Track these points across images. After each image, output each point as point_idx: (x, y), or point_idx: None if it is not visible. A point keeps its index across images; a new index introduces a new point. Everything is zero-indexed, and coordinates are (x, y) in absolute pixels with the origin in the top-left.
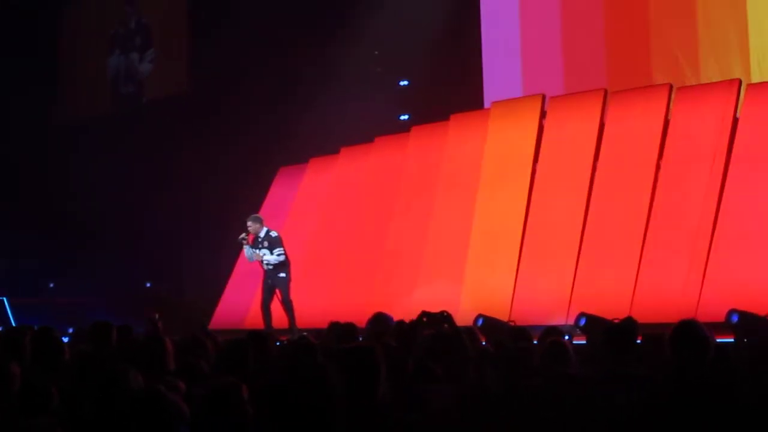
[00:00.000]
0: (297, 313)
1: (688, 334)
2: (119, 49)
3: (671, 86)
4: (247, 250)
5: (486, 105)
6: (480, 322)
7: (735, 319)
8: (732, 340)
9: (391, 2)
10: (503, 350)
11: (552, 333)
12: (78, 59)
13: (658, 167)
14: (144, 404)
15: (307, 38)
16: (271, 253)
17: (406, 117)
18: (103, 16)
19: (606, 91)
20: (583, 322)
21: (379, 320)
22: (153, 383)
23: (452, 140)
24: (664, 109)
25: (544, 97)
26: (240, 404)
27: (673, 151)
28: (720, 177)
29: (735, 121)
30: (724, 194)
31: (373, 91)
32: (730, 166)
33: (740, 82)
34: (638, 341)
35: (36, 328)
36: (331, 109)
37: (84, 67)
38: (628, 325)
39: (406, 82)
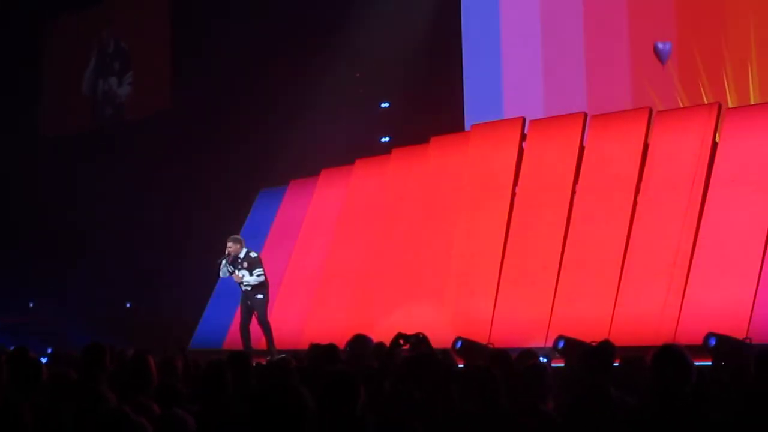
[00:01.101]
0: (276, 333)
1: (670, 357)
2: (97, 74)
3: (650, 110)
4: (222, 267)
5: (467, 127)
6: (459, 344)
7: (713, 342)
8: (709, 363)
9: (372, 24)
10: (478, 373)
11: (528, 356)
12: (59, 78)
13: (637, 191)
14: (111, 427)
15: (288, 60)
16: (251, 274)
17: (387, 139)
18: (82, 39)
19: (586, 115)
20: (561, 344)
21: (359, 342)
22: (121, 406)
23: (432, 162)
24: (643, 133)
25: (524, 120)
26: None
27: (653, 175)
28: (699, 201)
29: (714, 145)
30: (703, 218)
31: (355, 113)
32: (709, 190)
33: (719, 106)
34: (615, 364)
35: (11, 349)
36: (312, 130)
37: (65, 86)
38: (605, 347)
39: (387, 104)
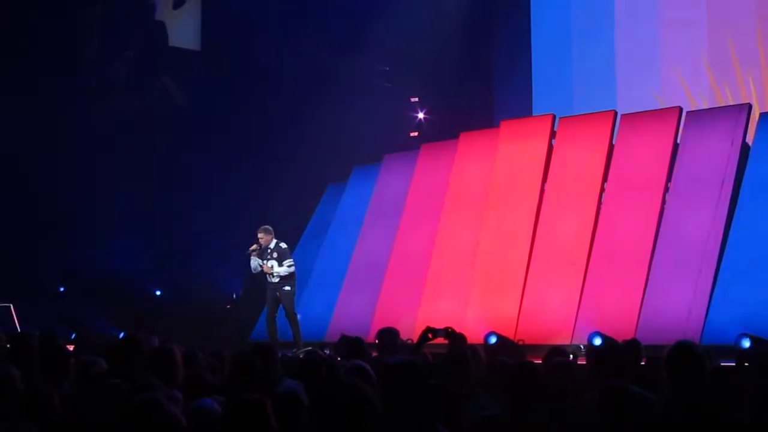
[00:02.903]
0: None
1: (683, 355)
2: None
3: (681, 109)
4: (253, 260)
5: (496, 123)
6: (493, 339)
7: (746, 344)
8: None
9: (404, 19)
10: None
11: (557, 353)
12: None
13: (666, 188)
14: (142, 415)
15: (317, 53)
16: (280, 265)
17: (416, 133)
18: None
19: (616, 113)
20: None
21: (387, 334)
22: (153, 394)
23: (461, 158)
24: (673, 132)
25: (554, 117)
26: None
27: (682, 172)
28: (728, 201)
29: (745, 146)
30: (734, 217)
31: (383, 107)
32: (741, 193)
33: (750, 106)
34: (641, 363)
35: (38, 333)
36: (341, 124)
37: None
38: (618, 347)
39: (416, 99)
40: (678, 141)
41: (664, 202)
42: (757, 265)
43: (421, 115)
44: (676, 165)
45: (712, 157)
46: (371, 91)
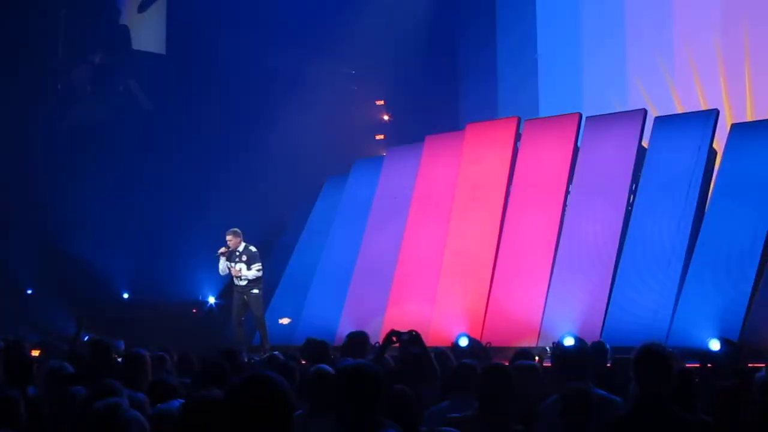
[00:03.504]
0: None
1: (651, 356)
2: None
3: (646, 112)
4: (221, 263)
5: (462, 126)
6: (465, 342)
7: (715, 346)
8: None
9: (369, 21)
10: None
11: (522, 356)
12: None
13: (631, 190)
14: (103, 421)
15: (283, 55)
16: (249, 268)
17: (382, 137)
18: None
19: (581, 115)
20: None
21: (355, 337)
22: (114, 399)
23: (427, 161)
24: (638, 134)
25: (519, 120)
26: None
27: (650, 175)
28: (694, 206)
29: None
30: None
31: (349, 111)
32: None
33: (645, 112)
34: (607, 365)
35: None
36: (307, 128)
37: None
38: (583, 349)
39: (382, 102)
40: (643, 144)
41: (629, 204)
42: (723, 268)
43: (386, 118)
44: (644, 168)
45: (680, 160)
46: (337, 94)
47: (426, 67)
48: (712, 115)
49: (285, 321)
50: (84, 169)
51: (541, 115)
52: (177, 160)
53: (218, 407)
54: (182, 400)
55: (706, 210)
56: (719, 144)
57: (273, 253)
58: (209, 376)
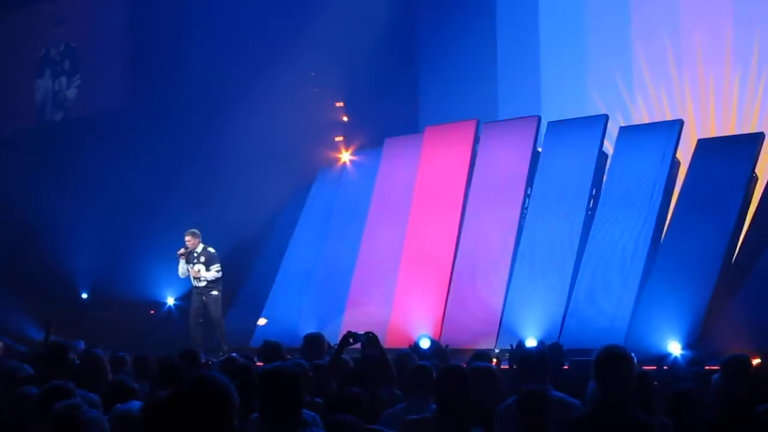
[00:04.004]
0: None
1: (612, 359)
2: (50, 70)
3: (607, 117)
4: (181, 266)
5: (421, 127)
6: (427, 344)
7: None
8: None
9: (328, 23)
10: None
11: (480, 357)
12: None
13: (592, 196)
14: (60, 423)
15: (242, 56)
16: (207, 269)
17: (341, 138)
18: (31, 35)
19: (540, 119)
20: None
21: (312, 340)
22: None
23: (386, 164)
24: (599, 140)
25: (478, 122)
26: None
27: (613, 183)
28: (657, 211)
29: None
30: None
31: (309, 112)
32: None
33: (606, 117)
34: (564, 367)
35: None
36: (267, 129)
37: (11, 86)
38: (541, 351)
39: (341, 104)
40: (605, 150)
41: (590, 210)
42: (684, 275)
43: (345, 119)
44: (607, 174)
45: (643, 169)
46: (298, 95)
47: (385, 69)
48: (677, 125)
49: (262, 322)
50: (43, 170)
51: (500, 118)
52: (136, 161)
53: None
54: (139, 402)
55: (670, 218)
56: (681, 154)
57: (236, 254)
58: (166, 378)
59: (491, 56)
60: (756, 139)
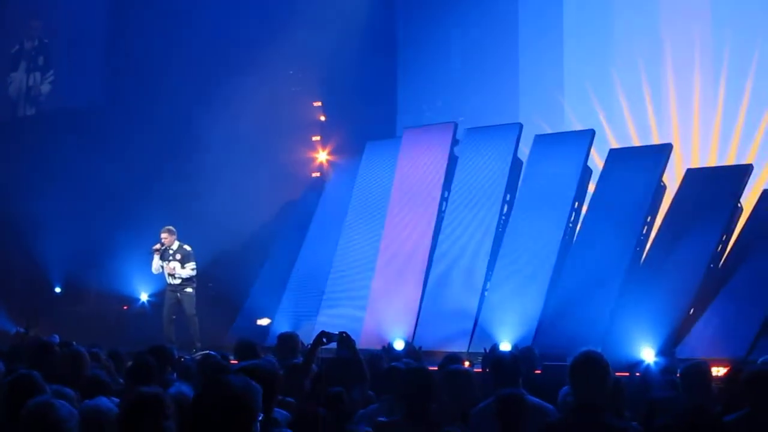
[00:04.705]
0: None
1: (588, 363)
2: (24, 65)
3: (592, 133)
4: (155, 261)
5: (398, 132)
6: (401, 345)
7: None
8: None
9: (307, 22)
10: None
11: (452, 360)
12: None
13: (573, 205)
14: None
15: (222, 54)
16: (183, 267)
17: (318, 138)
18: (5, 29)
19: (521, 126)
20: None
21: (286, 339)
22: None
23: (365, 167)
24: (584, 153)
25: (456, 126)
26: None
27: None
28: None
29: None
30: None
31: (288, 111)
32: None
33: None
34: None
35: None
36: (245, 126)
37: None
38: (514, 355)
39: (319, 104)
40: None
41: (571, 215)
42: (666, 283)
43: (323, 119)
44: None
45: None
46: (276, 93)
47: (364, 69)
48: (588, 134)
49: (264, 322)
50: (16, 164)
51: (481, 118)
52: (111, 155)
53: (154, 405)
54: (106, 398)
55: (658, 230)
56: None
57: (215, 251)
58: (138, 374)
59: (471, 56)
60: (664, 149)
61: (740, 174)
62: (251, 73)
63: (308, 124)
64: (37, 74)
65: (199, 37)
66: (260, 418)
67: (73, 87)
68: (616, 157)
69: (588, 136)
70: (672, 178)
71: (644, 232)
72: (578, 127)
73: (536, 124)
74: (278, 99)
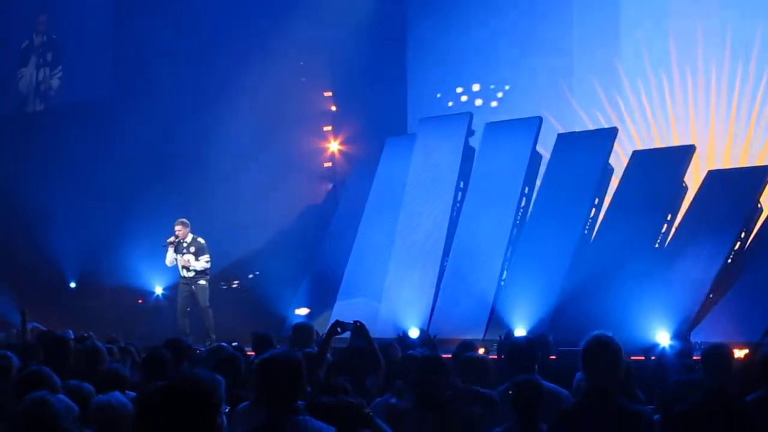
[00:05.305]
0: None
1: (600, 347)
2: (34, 61)
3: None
4: (169, 254)
5: (409, 122)
6: (418, 334)
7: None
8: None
9: (317, 12)
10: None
11: (467, 347)
12: None
13: (594, 201)
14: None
15: (230, 46)
16: (197, 259)
17: (329, 128)
18: (15, 25)
19: (540, 119)
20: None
21: (300, 329)
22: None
23: (384, 163)
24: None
25: (471, 116)
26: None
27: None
28: None
29: None
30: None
31: (298, 102)
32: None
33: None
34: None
35: None
36: (254, 119)
37: None
38: (530, 341)
39: (330, 94)
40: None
41: (591, 210)
42: (686, 267)
43: (334, 109)
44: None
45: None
46: (286, 85)
47: (374, 58)
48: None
49: (303, 312)
50: (30, 159)
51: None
52: (121, 149)
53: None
54: (120, 393)
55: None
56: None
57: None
58: (153, 367)
59: (479, 47)
60: (687, 151)
61: (761, 174)
62: (260, 65)
63: (319, 115)
64: (47, 70)
65: (207, 29)
66: (226, 410)
67: (82, 82)
68: (640, 158)
69: (611, 135)
70: (690, 179)
71: (663, 229)
72: (590, 126)
73: (545, 117)
74: (288, 90)
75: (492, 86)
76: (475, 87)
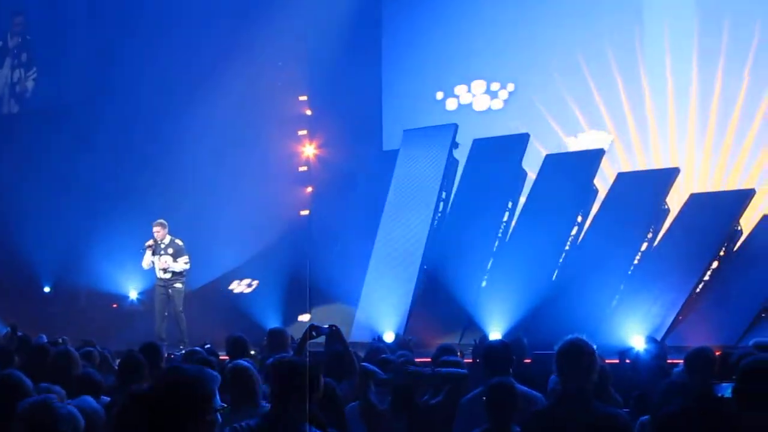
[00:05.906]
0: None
1: (574, 350)
2: (9, 62)
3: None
4: (146, 256)
5: (384, 126)
6: (393, 338)
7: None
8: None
9: (293, 14)
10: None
11: (446, 351)
12: None
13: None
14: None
15: (205, 49)
16: (175, 261)
17: (304, 132)
18: None
19: (528, 135)
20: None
21: (275, 334)
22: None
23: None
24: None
25: (456, 128)
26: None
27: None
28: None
29: None
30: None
31: (273, 105)
32: None
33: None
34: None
35: None
36: (230, 120)
37: None
38: (505, 344)
39: (305, 97)
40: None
41: (572, 226)
42: (667, 275)
43: (309, 113)
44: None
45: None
46: (261, 87)
47: (349, 62)
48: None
49: (306, 318)
50: (4, 161)
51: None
52: (97, 152)
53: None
54: (91, 397)
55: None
56: None
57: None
58: (128, 372)
59: (456, 52)
60: (671, 174)
61: (742, 198)
62: (236, 67)
63: (295, 118)
64: (22, 71)
65: (183, 32)
66: (219, 407)
67: (57, 84)
68: (623, 180)
69: (598, 156)
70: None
71: (642, 248)
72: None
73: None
74: (263, 93)
75: (469, 90)
76: (459, 89)
